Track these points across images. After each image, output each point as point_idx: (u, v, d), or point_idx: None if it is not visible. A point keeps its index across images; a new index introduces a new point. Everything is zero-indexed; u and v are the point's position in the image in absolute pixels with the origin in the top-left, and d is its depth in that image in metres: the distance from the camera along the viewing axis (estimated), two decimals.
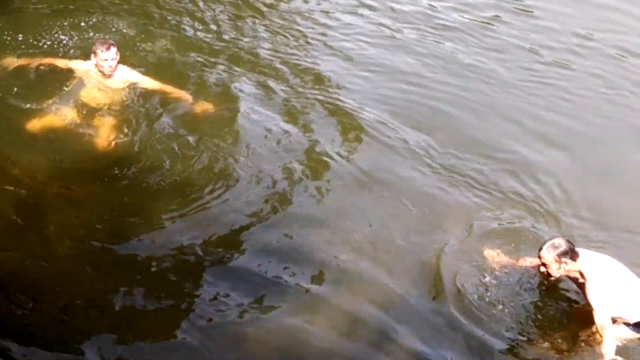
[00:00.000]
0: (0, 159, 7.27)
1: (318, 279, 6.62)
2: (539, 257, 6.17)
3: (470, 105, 9.02)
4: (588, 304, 6.27)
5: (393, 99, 8.93)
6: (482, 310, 6.49)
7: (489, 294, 6.58)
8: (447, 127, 8.61)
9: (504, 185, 7.87)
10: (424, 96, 9.06)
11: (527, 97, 9.30)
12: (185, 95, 8.12)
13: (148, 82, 8.05)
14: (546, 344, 6.31)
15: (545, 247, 6.16)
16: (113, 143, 7.56)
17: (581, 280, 6.24)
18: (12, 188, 6.98)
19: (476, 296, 6.58)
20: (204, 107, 8.05)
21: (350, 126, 8.39)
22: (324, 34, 9.98)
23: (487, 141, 8.47)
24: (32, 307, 6.01)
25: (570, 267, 6.14)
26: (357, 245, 6.96)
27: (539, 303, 6.64)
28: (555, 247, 6.13)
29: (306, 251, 6.82)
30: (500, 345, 6.33)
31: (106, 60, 7.80)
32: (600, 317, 6.08)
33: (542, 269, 6.26)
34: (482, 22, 10.76)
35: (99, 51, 7.81)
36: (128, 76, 8.04)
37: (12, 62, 8.12)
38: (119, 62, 7.93)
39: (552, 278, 6.32)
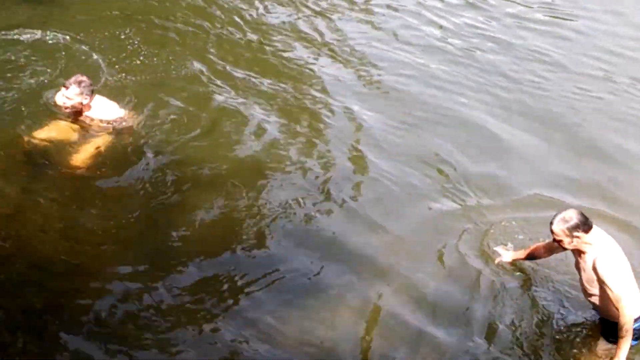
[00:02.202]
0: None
1: (350, 276, 6.61)
2: (551, 231, 5.99)
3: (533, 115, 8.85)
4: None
5: (440, 108, 8.78)
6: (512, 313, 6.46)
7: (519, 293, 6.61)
8: (497, 140, 8.41)
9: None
10: (467, 103, 8.91)
11: (596, 107, 9.11)
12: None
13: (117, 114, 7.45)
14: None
15: (555, 221, 5.96)
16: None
17: (590, 254, 5.98)
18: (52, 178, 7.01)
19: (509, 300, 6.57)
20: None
21: (391, 134, 8.27)
22: (381, 40, 9.95)
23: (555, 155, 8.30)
24: (63, 297, 6.09)
25: (582, 240, 5.94)
26: (388, 243, 6.95)
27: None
28: (565, 220, 5.92)
29: (338, 250, 6.83)
30: (532, 346, 6.22)
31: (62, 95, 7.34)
32: (615, 290, 5.81)
33: (555, 241, 6.11)
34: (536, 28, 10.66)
35: None
36: (101, 115, 7.42)
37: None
38: (88, 105, 7.29)
39: (568, 249, 6.15)
